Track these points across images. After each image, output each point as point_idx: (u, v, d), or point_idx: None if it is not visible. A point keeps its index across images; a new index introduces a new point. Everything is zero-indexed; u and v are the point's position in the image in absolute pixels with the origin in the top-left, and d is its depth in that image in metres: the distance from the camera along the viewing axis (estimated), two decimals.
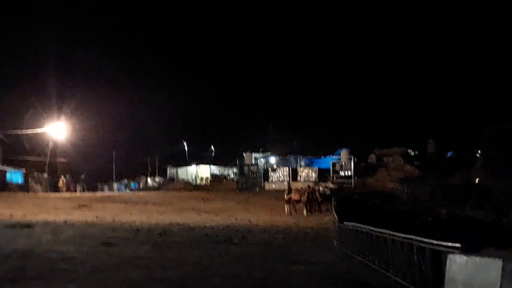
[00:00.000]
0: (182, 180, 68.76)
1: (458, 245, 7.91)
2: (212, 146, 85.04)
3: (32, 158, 55.52)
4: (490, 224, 27.08)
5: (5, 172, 50.42)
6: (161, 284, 10.69)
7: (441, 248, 8.41)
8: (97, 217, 26.55)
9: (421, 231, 11.47)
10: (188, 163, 76.38)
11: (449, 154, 60.46)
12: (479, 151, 48.70)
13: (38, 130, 53.14)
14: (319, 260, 15.01)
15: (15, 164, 53.46)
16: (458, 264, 7.22)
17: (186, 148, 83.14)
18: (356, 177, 52.83)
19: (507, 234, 22.27)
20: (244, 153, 64.48)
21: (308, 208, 34.03)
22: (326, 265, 13.99)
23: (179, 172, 73.62)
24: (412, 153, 63.42)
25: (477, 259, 6.75)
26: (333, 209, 28.09)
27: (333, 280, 11.70)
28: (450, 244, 8.11)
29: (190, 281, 11.19)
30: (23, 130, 52.26)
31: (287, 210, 33.66)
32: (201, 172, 71.09)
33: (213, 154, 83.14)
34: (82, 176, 59.45)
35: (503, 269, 6.01)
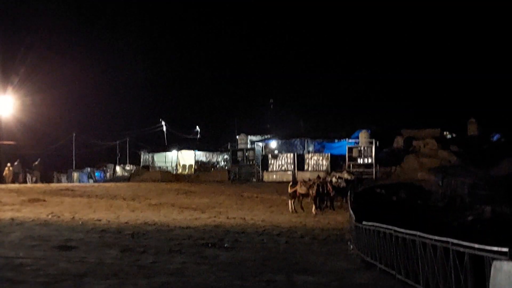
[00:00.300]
0: (160, 168, 68.65)
1: (505, 249, 7.92)
2: (197, 127, 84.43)
3: None
4: None
5: None
6: None
7: (484, 254, 8.40)
8: (52, 214, 26.52)
9: (459, 232, 11.46)
10: (167, 148, 76.06)
11: (495, 137, 59.48)
12: None
13: None
14: (331, 269, 15.08)
15: None
16: (505, 272, 7.21)
17: (165, 129, 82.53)
18: (378, 165, 52.77)
19: None
20: (237, 136, 64.39)
21: (318, 204, 34.03)
22: (339, 275, 14.04)
23: (155, 159, 73.43)
24: (449, 136, 62.84)
25: None
26: (349, 205, 28.14)
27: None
28: (495, 248, 8.10)
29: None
30: None
31: (291, 207, 33.65)
32: (184, 159, 70.91)
33: (198, 136, 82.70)
34: (35, 163, 59.10)
35: None
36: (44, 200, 32.25)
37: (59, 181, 59.94)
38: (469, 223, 29.06)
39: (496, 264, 7.53)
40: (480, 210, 32.31)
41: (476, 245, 8.92)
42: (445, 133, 62.25)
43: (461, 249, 9.46)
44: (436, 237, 10.86)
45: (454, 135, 63.21)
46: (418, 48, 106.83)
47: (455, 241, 9.84)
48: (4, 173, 51.66)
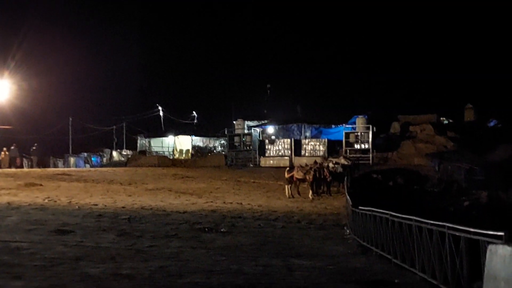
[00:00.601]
0: (157, 153, 68.52)
1: (501, 233, 7.94)
2: (194, 112, 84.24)
3: None
4: None
5: None
6: (129, 282, 10.68)
7: (480, 238, 8.42)
8: (49, 198, 26.47)
9: (455, 217, 11.47)
10: (164, 133, 75.96)
11: (491, 123, 59.39)
12: None
13: None
14: (327, 253, 15.13)
15: None
16: (500, 256, 7.23)
17: (161, 114, 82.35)
18: (375, 151, 52.81)
19: None
20: (234, 121, 64.33)
21: (315, 189, 34.10)
22: (336, 260, 14.08)
23: (152, 144, 73.28)
24: (446, 122, 62.68)
25: None
26: (346, 191, 28.21)
27: (345, 278, 11.73)
28: (491, 232, 8.12)
29: (165, 278, 11.19)
30: None
31: (288, 192, 33.71)
32: (181, 144, 70.83)
33: (195, 121, 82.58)
34: (33, 147, 58.87)
35: None
36: (41, 185, 32.20)
37: (55, 166, 59.64)
38: (465, 208, 29.15)
39: (491, 248, 7.56)
40: (476, 195, 32.41)
41: (472, 229, 8.95)
42: (441, 118, 62.03)
43: (457, 233, 9.49)
44: (432, 222, 10.89)
45: (450, 120, 62.98)
46: (416, 33, 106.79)
47: (451, 225, 9.87)
48: (0, 157, 51.60)
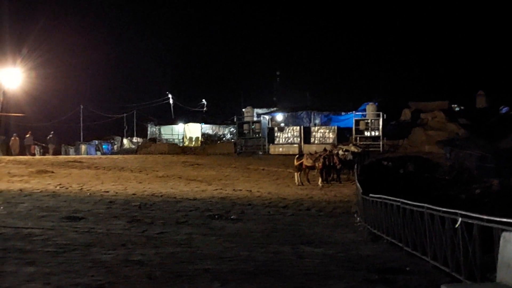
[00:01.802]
0: (167, 141, 68.59)
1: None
2: (204, 100, 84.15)
3: None
4: None
5: None
6: (140, 268, 10.69)
7: (493, 225, 8.38)
8: (60, 185, 26.55)
9: (467, 205, 11.40)
10: (174, 121, 75.97)
11: (503, 110, 58.87)
12: None
13: None
14: (337, 240, 15.12)
15: None
16: None
17: (171, 102, 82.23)
18: (385, 138, 52.66)
19: None
20: (243, 109, 64.14)
21: (324, 176, 34.04)
22: (346, 247, 14.06)
23: (162, 132, 73.37)
24: (458, 109, 62.35)
25: None
26: (356, 178, 28.14)
27: (355, 265, 11.72)
28: (505, 220, 8.08)
29: (176, 264, 11.20)
30: None
31: (298, 180, 33.66)
32: (190, 131, 70.83)
33: (205, 109, 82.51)
34: (50, 135, 58.92)
35: None
36: (52, 172, 32.28)
37: (67, 153, 59.82)
38: (477, 196, 29.01)
39: (505, 235, 7.51)
40: (488, 183, 32.26)
41: (485, 217, 8.91)
42: (453, 105, 61.77)
43: (470, 221, 9.44)
44: (444, 209, 10.85)
45: (462, 107, 62.69)
46: (426, 19, 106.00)
47: (463, 212, 9.82)
48: (10, 144, 51.69)
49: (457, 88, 68.14)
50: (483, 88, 60.66)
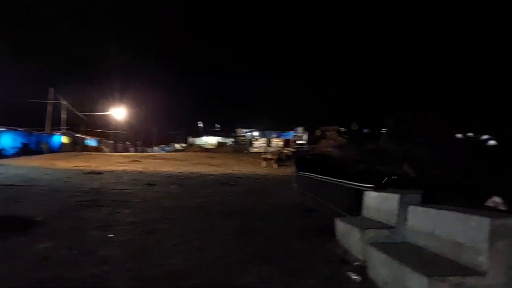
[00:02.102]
0: (198, 145, 68.74)
1: (372, 185, 7.93)
2: (218, 124, 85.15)
3: (102, 130, 55.45)
4: (391, 174, 27.29)
5: (85, 139, 50.42)
6: (184, 209, 10.60)
7: (361, 188, 8.42)
8: (144, 168, 26.29)
9: (348, 178, 11.40)
10: (202, 135, 76.72)
11: (365, 130, 60.21)
12: (384, 128, 49.22)
13: (106, 113, 52.77)
14: (284, 195, 15.06)
15: (91, 134, 53.38)
16: (371, 197, 7.22)
17: (201, 125, 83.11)
18: (307, 144, 53.03)
19: (403, 180, 22.49)
20: (236, 130, 64.70)
21: (278, 163, 34.15)
22: (289, 198, 14.01)
23: (196, 141, 73.77)
24: (343, 130, 63.35)
25: (383, 193, 6.75)
26: (293, 164, 28.24)
27: (293, 206, 11.72)
28: (367, 185, 8.12)
29: (202, 207, 11.13)
30: (96, 113, 51.97)
31: (264, 165, 33.74)
32: (210, 140, 71.39)
33: (218, 129, 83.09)
34: (139, 142, 59.44)
35: (399, 199, 6.04)
36: (140, 161, 32.02)
37: (147, 151, 59.72)
38: (353, 173, 29.12)
39: (366, 193, 7.54)
40: (359, 167, 32.37)
41: (357, 184, 8.93)
42: (340, 128, 62.73)
43: (350, 186, 9.46)
44: (337, 180, 10.85)
45: (345, 129, 63.71)
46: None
47: (347, 181, 9.85)
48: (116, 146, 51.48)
49: (342, 119, 69.18)
50: (355, 120, 61.53)
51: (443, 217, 4.82)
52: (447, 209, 4.85)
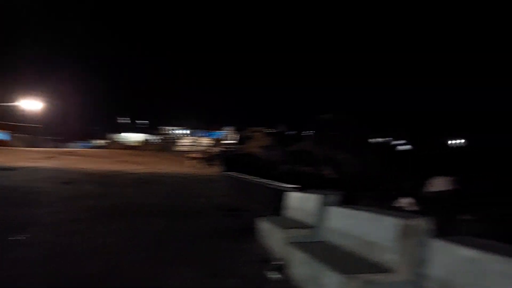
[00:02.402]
0: (123, 142, 66.19)
1: (294, 186, 8.19)
2: (146, 120, 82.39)
3: (15, 123, 51.46)
4: (314, 175, 28.45)
5: None
6: (105, 209, 10.09)
7: (285, 188, 8.64)
8: (61, 164, 24.70)
9: (273, 178, 11.66)
10: (127, 131, 73.77)
11: (290, 132, 61.81)
12: (309, 131, 51.18)
13: (16, 103, 48.96)
14: (210, 195, 14.94)
15: (4, 127, 49.38)
16: (294, 197, 7.45)
17: (126, 121, 79.78)
18: (236, 144, 53.31)
19: (323, 181, 23.56)
20: (164, 127, 63.33)
21: (205, 162, 34.03)
22: (214, 198, 13.91)
23: (121, 137, 70.94)
24: (270, 131, 64.53)
25: (305, 194, 6.99)
26: (221, 164, 28.31)
27: (219, 206, 11.70)
28: (290, 185, 8.37)
29: (124, 207, 10.69)
30: (9, 103, 48.02)
31: (191, 164, 33.43)
32: (136, 137, 69.17)
33: (145, 126, 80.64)
34: (59, 138, 55.69)
35: (319, 200, 6.30)
36: (57, 157, 30.06)
37: (64, 147, 56.36)
38: (278, 173, 29.87)
39: (289, 193, 7.76)
40: (284, 167, 33.33)
41: (281, 184, 9.17)
42: (268, 129, 63.92)
43: (274, 186, 9.68)
44: (262, 180, 11.07)
45: (272, 130, 64.96)
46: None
47: (271, 182, 10.07)
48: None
49: (270, 121, 70.83)
50: (282, 121, 63.08)
51: (358, 217, 5.11)
52: (362, 210, 5.16)
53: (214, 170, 29.01)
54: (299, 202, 7.05)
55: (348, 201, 6.48)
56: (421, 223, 4.29)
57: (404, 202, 15.53)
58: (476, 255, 3.40)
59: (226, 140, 55.68)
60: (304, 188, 8.08)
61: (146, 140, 66.87)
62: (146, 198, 12.79)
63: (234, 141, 53.21)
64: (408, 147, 53.04)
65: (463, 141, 54.77)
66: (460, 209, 13.23)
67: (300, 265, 5.08)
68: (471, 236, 4.43)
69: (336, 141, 38.97)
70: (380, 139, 53.15)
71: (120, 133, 72.26)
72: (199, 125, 68.77)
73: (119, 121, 78.36)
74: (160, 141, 63.01)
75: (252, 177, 12.47)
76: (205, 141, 57.71)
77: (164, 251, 6.49)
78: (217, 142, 55.96)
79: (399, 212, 5.29)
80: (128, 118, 78.66)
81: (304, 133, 55.91)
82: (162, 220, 9.06)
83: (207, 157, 35.80)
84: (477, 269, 3.35)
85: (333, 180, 27.45)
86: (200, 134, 63.29)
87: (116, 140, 68.36)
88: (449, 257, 3.67)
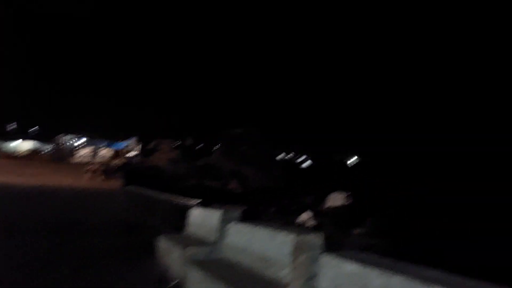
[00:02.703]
0: (8, 150, 60.07)
1: (197, 202, 8.20)
2: (37, 126, 75.48)
3: None
4: (220, 189, 28.67)
5: None
6: None
7: (188, 204, 8.61)
8: None
9: (178, 193, 11.52)
10: (15, 138, 67.05)
11: (199, 146, 61.56)
12: (218, 145, 51.69)
13: None
14: (108, 210, 14.31)
15: None
16: (196, 213, 7.45)
17: (14, 128, 72.46)
18: (140, 156, 51.65)
19: (229, 196, 23.88)
20: (60, 134, 59.05)
21: (105, 175, 32.42)
22: (113, 214, 13.34)
23: (9, 146, 64.34)
24: (177, 143, 63.73)
25: (207, 210, 7.05)
26: (123, 176, 27.18)
27: (117, 223, 11.22)
28: (193, 201, 8.36)
29: (9, 224, 9.74)
30: None
31: (89, 176, 31.60)
32: (25, 145, 63.18)
33: (37, 132, 74.08)
34: None
35: (220, 216, 6.40)
36: None
37: None
38: (183, 187, 29.57)
39: (192, 209, 7.75)
40: (190, 182, 33.06)
41: (183, 199, 9.12)
42: (175, 142, 63.01)
43: (176, 201, 9.58)
44: (165, 195, 10.88)
45: (179, 143, 64.17)
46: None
47: (175, 197, 9.95)
48: None
49: (177, 133, 69.78)
50: (189, 135, 62.65)
51: (256, 234, 5.30)
52: (260, 226, 5.37)
53: (114, 183, 27.71)
54: (201, 218, 7.08)
55: (251, 216, 6.68)
56: (314, 238, 4.58)
57: (304, 216, 16.35)
58: (358, 269, 3.74)
59: (129, 151, 53.56)
60: (208, 203, 8.13)
61: (38, 149, 61.54)
62: (35, 214, 11.78)
63: (138, 153, 51.48)
64: (309, 163, 55.98)
65: (355, 158, 59.30)
66: (353, 223, 14.31)
67: (198, 284, 5.10)
68: (358, 250, 4.84)
69: (243, 156, 39.76)
70: (285, 155, 55.44)
71: (9, 141, 65.52)
72: (101, 134, 65.36)
73: (8, 128, 71.03)
74: (54, 150, 58.38)
75: (155, 191, 12.17)
76: (105, 152, 54.85)
77: (54, 273, 6.05)
78: (119, 153, 53.58)
79: (295, 228, 5.59)
80: (15, 125, 71.76)
81: (212, 146, 56.27)
82: (54, 238, 8.42)
83: (107, 170, 34.08)
84: (360, 283, 3.68)
85: (238, 195, 27.93)
86: (100, 144, 60.04)
87: (3, 149, 61.86)
88: (335, 271, 3.98)
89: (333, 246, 4.70)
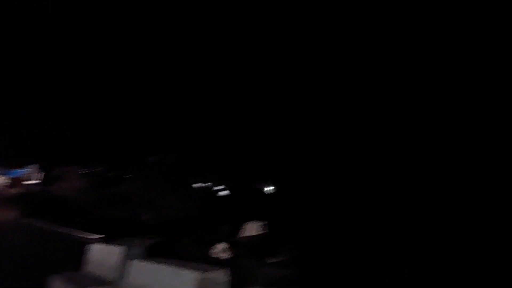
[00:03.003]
0: None
1: (100, 236, 7.71)
2: None
3: None
4: (131, 220, 27.45)
5: None
6: None
7: (88, 239, 8.05)
8: None
9: (82, 225, 10.76)
10: None
11: (110, 174, 59.22)
12: (132, 173, 49.86)
13: None
14: (1, 245, 12.89)
15: None
16: (95, 250, 6.98)
17: None
18: (41, 185, 48.07)
19: (141, 227, 22.91)
20: None
21: (0, 206, 29.40)
22: (5, 251, 11.96)
23: None
24: (85, 171, 60.51)
25: (107, 246, 6.64)
26: (20, 207, 24.95)
27: (8, 261, 10.09)
28: (94, 236, 7.84)
29: None
30: None
31: None
32: None
33: None
34: None
35: (122, 253, 6.04)
36: None
37: None
38: (90, 219, 27.80)
39: (91, 246, 7.27)
40: (98, 213, 31.18)
41: (84, 234, 8.53)
42: (81, 169, 59.96)
43: (76, 236, 8.92)
44: (64, 229, 10.08)
45: (87, 171, 61.06)
46: None
47: (74, 230, 9.26)
48: None
49: (85, 161, 66.32)
50: (99, 162, 60.04)
51: (159, 272, 5.04)
52: (163, 263, 5.13)
53: (9, 215, 25.19)
54: (101, 255, 6.63)
55: (164, 248, 6.40)
56: (219, 275, 4.47)
57: (219, 247, 16.11)
58: None
59: (29, 180, 49.37)
60: (114, 237, 7.68)
61: None
62: None
63: (39, 182, 47.71)
64: (227, 192, 56.07)
65: (272, 187, 60.73)
66: (267, 254, 14.37)
67: None
68: (270, 282, 4.82)
69: (159, 184, 38.64)
70: (202, 184, 54.93)
71: None
72: None
73: None
74: None
75: (54, 224, 11.23)
76: (1, 180, 50.02)
77: None
78: (17, 181, 49.14)
79: (199, 264, 5.44)
80: None
81: (126, 175, 54.01)
82: None
83: (2, 200, 30.95)
84: None
85: (151, 226, 26.88)
86: None
87: None
88: None
89: (246, 280, 4.63)
